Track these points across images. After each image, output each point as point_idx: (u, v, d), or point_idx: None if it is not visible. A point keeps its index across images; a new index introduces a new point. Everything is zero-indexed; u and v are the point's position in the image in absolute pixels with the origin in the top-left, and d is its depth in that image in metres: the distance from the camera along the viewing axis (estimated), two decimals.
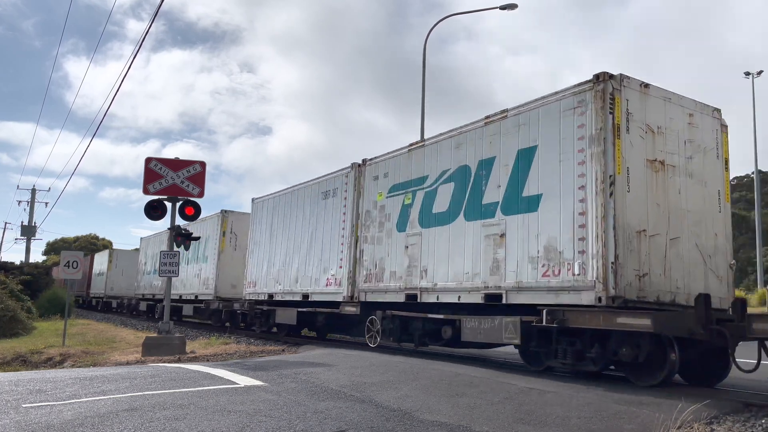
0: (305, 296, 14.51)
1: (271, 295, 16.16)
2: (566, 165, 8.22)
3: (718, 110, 8.94)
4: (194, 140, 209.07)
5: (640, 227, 7.70)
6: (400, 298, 11.24)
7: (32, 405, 6.11)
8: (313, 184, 14.96)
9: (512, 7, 20.33)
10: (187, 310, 22.97)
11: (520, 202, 8.89)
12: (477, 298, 9.43)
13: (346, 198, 13.44)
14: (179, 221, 14.27)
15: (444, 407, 6.08)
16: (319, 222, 14.34)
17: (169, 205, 13.90)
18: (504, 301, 8.91)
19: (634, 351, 7.35)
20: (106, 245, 64.29)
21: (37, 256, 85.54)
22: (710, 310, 7.19)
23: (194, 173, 13.93)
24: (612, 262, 7.41)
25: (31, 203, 54.82)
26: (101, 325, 25.18)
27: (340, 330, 15.76)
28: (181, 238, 14.13)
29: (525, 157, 8.92)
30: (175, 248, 14.14)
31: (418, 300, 10.75)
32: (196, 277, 21.80)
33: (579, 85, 8.21)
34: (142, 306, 28.71)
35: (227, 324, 19.19)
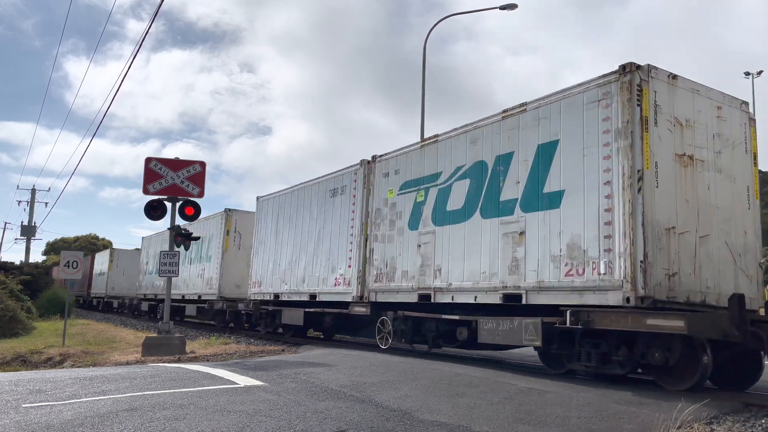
0: (312, 296, 14.20)
1: (277, 295, 15.84)
2: (590, 159, 7.90)
3: (746, 103, 8.64)
4: (194, 140, 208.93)
5: (669, 224, 7.38)
6: (413, 298, 10.92)
7: (32, 405, 6.10)
8: (320, 182, 14.62)
9: (512, 7, 20.11)
10: (190, 310, 22.70)
11: (540, 199, 8.57)
12: (495, 299, 9.11)
13: (355, 196, 13.12)
14: (179, 221, 14.24)
15: (444, 407, 6.06)
16: (327, 220, 14.02)
17: (169, 205, 13.89)
18: (524, 302, 8.59)
19: (664, 354, 7.05)
20: (106, 245, 63.95)
21: (37, 256, 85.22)
22: (744, 310, 6.88)
23: (194, 173, 13.91)
24: (641, 261, 7.09)
25: (31, 203, 54.76)
26: (101, 325, 25.11)
27: (349, 331, 15.48)
28: (180, 238, 14.12)
29: (546, 152, 8.60)
30: (175, 248, 14.08)
31: (432, 300, 10.43)
32: (200, 277, 21.49)
33: (604, 76, 7.89)
34: (144, 306, 28.46)
35: (231, 324, 18.89)
